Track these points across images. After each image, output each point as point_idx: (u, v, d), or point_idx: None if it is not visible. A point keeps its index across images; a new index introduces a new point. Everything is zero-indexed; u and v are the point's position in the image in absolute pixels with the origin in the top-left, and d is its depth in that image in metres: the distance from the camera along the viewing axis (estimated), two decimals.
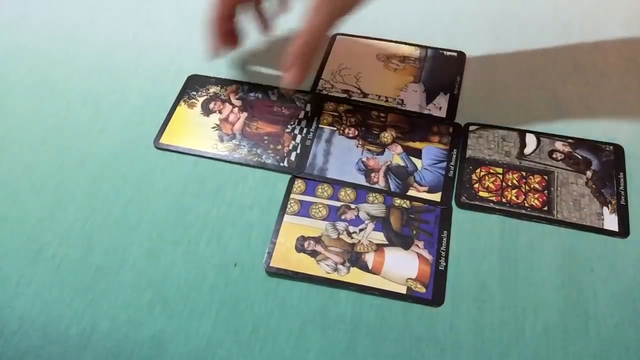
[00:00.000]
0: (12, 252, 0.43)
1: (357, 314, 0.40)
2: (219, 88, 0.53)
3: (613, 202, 0.44)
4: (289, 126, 0.50)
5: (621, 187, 0.45)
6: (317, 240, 0.43)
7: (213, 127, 0.50)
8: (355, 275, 0.41)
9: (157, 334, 0.39)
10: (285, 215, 0.44)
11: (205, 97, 0.52)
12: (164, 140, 0.49)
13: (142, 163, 0.48)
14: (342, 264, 0.42)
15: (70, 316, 0.40)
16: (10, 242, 0.44)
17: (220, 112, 0.51)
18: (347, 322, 0.39)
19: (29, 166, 0.48)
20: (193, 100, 0.52)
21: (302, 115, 0.51)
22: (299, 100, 0.52)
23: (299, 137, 0.49)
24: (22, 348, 0.39)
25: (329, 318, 0.40)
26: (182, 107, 0.52)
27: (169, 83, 0.53)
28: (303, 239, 0.43)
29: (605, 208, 0.44)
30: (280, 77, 0.47)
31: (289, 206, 0.45)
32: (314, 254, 0.42)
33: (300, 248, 0.42)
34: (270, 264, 0.42)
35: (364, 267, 0.41)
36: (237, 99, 0.52)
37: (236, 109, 0.51)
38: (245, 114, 0.51)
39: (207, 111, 0.51)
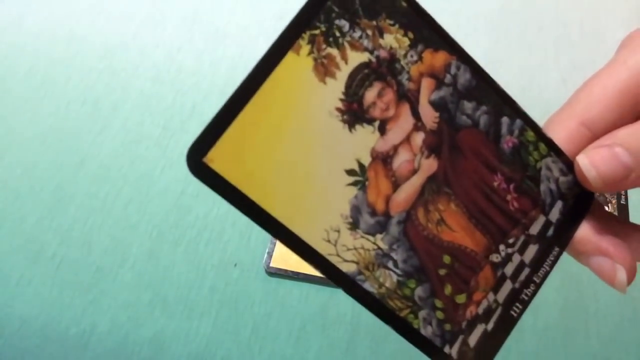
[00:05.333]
0: (12, 252, 0.43)
1: (357, 314, 0.40)
2: None
3: (613, 201, 0.44)
4: None
5: (622, 201, 0.45)
6: None
7: None
8: None
9: (157, 334, 0.39)
10: None
11: None
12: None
13: (142, 163, 0.48)
14: None
15: (70, 316, 0.40)
16: (10, 242, 0.44)
17: None
18: (347, 322, 0.39)
19: (29, 166, 0.48)
20: None
21: None
22: None
23: None
24: (22, 348, 0.39)
25: (329, 318, 0.40)
26: None
27: (168, 83, 0.53)
28: None
29: (605, 207, 0.44)
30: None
31: None
32: None
33: None
34: (270, 264, 0.42)
35: None
36: None
37: None
38: None
39: None
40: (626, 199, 0.44)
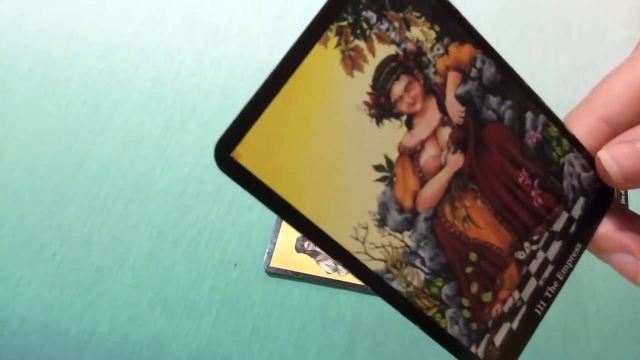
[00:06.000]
0: (12, 252, 0.43)
1: (357, 314, 0.40)
2: None
3: None
4: None
5: (622, 202, 0.45)
6: None
7: None
8: None
9: (157, 334, 0.39)
10: None
11: None
12: None
13: (142, 163, 0.48)
14: None
15: (70, 316, 0.40)
16: (10, 242, 0.44)
17: None
18: (347, 322, 0.39)
19: (29, 166, 0.48)
20: None
21: None
22: None
23: None
24: (22, 348, 0.39)
25: (329, 318, 0.40)
26: None
27: (169, 83, 0.53)
28: (303, 238, 0.43)
29: None
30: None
31: None
32: (314, 254, 0.42)
33: (300, 248, 0.43)
34: (270, 264, 0.42)
35: None
36: None
37: None
38: None
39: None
40: (626, 199, 0.44)
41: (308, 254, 0.42)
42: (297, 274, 0.41)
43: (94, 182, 0.47)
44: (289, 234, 0.43)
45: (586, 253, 0.43)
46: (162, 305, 0.40)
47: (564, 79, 0.53)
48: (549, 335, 0.38)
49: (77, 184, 0.47)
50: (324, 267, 0.41)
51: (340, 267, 0.41)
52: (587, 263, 0.42)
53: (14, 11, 0.60)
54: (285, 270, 0.41)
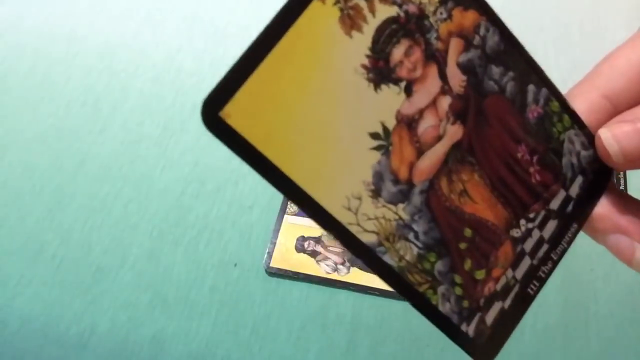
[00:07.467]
0: (12, 252, 0.43)
1: (357, 314, 0.40)
2: None
3: None
4: None
5: (621, 187, 0.45)
6: (317, 240, 0.43)
7: None
8: (355, 275, 0.41)
9: (157, 334, 0.39)
10: (285, 216, 0.44)
11: None
12: None
13: (142, 163, 0.48)
14: (342, 264, 0.42)
15: (70, 316, 0.40)
16: (10, 242, 0.44)
17: None
18: (347, 322, 0.39)
19: (29, 166, 0.48)
20: None
21: None
22: None
23: None
24: (22, 348, 0.39)
25: (329, 318, 0.40)
26: None
27: (169, 83, 0.53)
28: (303, 239, 0.43)
29: None
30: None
31: (289, 206, 0.45)
32: (314, 254, 0.42)
33: (300, 248, 0.43)
34: (270, 264, 0.42)
35: (364, 267, 0.41)
36: None
37: None
38: None
39: None
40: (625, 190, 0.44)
41: (308, 254, 0.42)
42: (297, 274, 0.41)
43: (94, 182, 0.47)
44: (289, 234, 0.43)
45: (586, 254, 0.43)
46: (162, 305, 0.40)
47: (564, 79, 0.53)
48: (549, 335, 0.38)
49: (77, 184, 0.47)
50: (324, 267, 0.41)
51: (340, 267, 0.41)
52: (587, 263, 0.42)
53: (14, 11, 0.60)
54: (285, 270, 0.41)
